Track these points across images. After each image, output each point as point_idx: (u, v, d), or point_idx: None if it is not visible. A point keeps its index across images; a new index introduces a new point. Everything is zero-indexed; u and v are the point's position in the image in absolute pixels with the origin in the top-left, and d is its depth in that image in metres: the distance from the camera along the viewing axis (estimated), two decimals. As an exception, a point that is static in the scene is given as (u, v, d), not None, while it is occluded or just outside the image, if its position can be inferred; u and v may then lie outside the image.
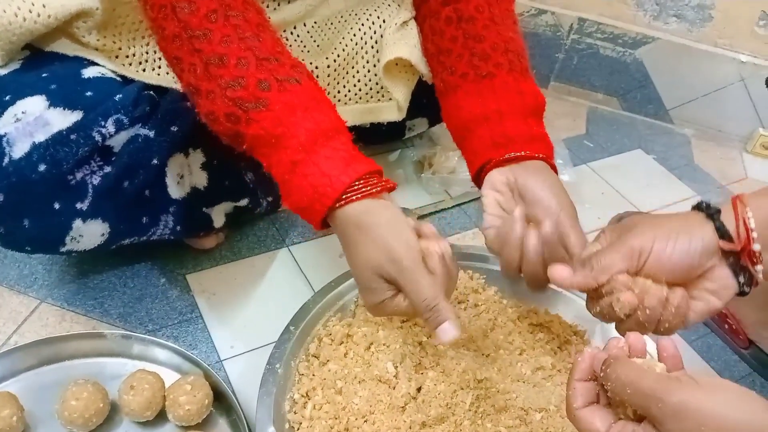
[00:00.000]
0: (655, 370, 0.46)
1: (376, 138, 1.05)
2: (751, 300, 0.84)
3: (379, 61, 0.85)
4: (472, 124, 0.71)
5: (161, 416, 0.67)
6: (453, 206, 1.05)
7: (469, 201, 1.06)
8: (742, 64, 1.27)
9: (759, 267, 0.52)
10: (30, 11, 0.65)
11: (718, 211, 0.53)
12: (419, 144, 1.13)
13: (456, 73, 0.73)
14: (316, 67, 0.84)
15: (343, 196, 0.57)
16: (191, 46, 0.58)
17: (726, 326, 0.88)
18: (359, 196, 0.57)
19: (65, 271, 0.85)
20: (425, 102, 0.86)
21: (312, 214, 0.58)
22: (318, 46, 0.84)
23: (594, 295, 0.56)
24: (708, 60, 1.28)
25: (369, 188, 0.58)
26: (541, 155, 0.68)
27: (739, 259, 0.52)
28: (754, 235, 0.51)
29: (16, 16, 0.65)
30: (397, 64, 0.84)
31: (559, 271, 0.57)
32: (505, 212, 0.67)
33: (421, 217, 1.01)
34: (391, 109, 0.89)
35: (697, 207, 0.55)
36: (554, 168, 0.69)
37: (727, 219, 0.53)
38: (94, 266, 0.86)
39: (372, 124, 0.94)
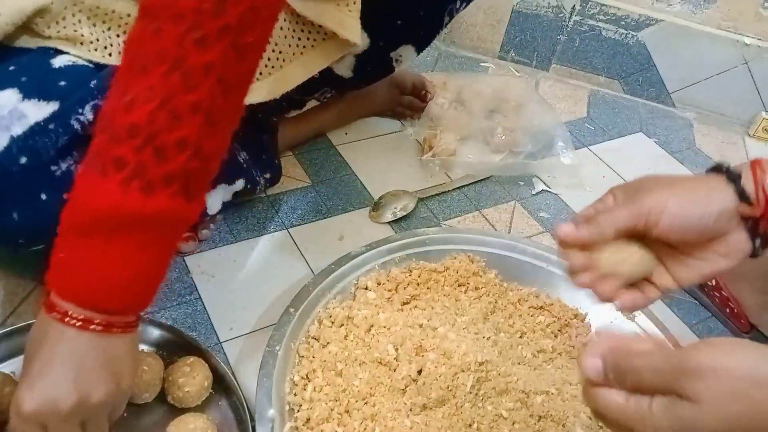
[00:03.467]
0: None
1: (365, 79, 0.99)
2: (752, 284, 0.85)
3: None
4: None
5: (160, 398, 0.67)
6: (454, 189, 1.04)
7: (470, 184, 1.05)
8: (746, 46, 1.25)
9: None
10: None
11: (739, 176, 0.51)
12: (419, 125, 1.12)
13: None
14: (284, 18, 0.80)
15: None
16: None
17: (728, 310, 0.88)
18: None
19: (62, 253, 0.85)
20: (402, 24, 0.81)
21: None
22: None
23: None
24: (711, 42, 1.27)
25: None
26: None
27: (758, 224, 0.51)
28: None
29: None
30: None
31: (563, 228, 0.54)
32: None
33: (422, 200, 1.00)
34: (349, 27, 0.82)
35: (716, 169, 0.53)
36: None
37: (747, 184, 0.51)
38: (91, 248, 0.85)
39: (356, 69, 0.91)
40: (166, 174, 0.48)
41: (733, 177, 0.51)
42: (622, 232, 0.53)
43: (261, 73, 0.82)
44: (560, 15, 1.32)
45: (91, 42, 0.71)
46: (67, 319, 0.49)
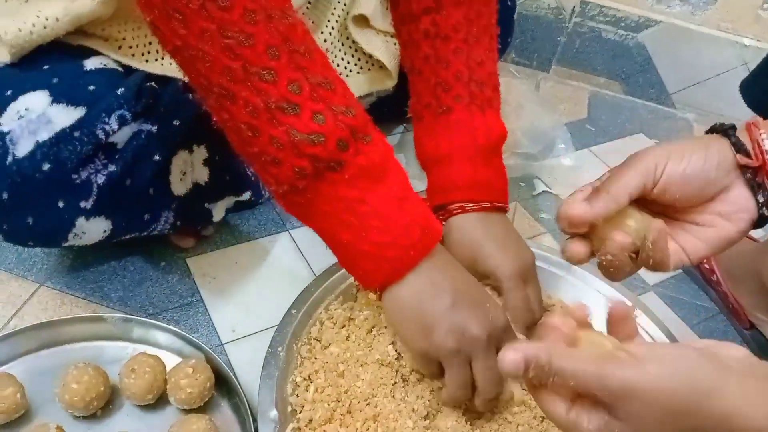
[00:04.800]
0: (605, 347, 0.43)
1: (377, 121, 1.04)
2: (744, 283, 0.85)
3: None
4: (428, 165, 0.72)
5: (162, 399, 0.67)
6: (454, 190, 1.04)
7: (470, 185, 1.06)
8: (746, 47, 1.26)
9: None
10: (44, 26, 0.64)
11: (734, 127, 0.52)
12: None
13: (421, 102, 0.72)
14: None
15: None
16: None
17: (730, 306, 0.88)
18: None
19: (65, 255, 0.85)
20: None
21: (420, 250, 0.56)
22: (312, 22, 0.83)
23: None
24: (711, 44, 1.27)
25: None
26: (470, 207, 0.69)
27: (757, 175, 0.51)
28: None
29: (32, 34, 0.64)
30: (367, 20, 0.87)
31: (575, 209, 0.52)
32: None
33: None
34: (386, 75, 0.90)
35: (711, 129, 0.54)
36: (499, 208, 0.71)
37: (743, 140, 0.51)
38: (93, 250, 0.85)
39: (372, 107, 0.93)
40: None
41: (726, 129, 0.52)
42: (634, 197, 0.52)
43: (339, 73, 0.86)
44: (560, 17, 1.33)
45: (130, 47, 0.72)
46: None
